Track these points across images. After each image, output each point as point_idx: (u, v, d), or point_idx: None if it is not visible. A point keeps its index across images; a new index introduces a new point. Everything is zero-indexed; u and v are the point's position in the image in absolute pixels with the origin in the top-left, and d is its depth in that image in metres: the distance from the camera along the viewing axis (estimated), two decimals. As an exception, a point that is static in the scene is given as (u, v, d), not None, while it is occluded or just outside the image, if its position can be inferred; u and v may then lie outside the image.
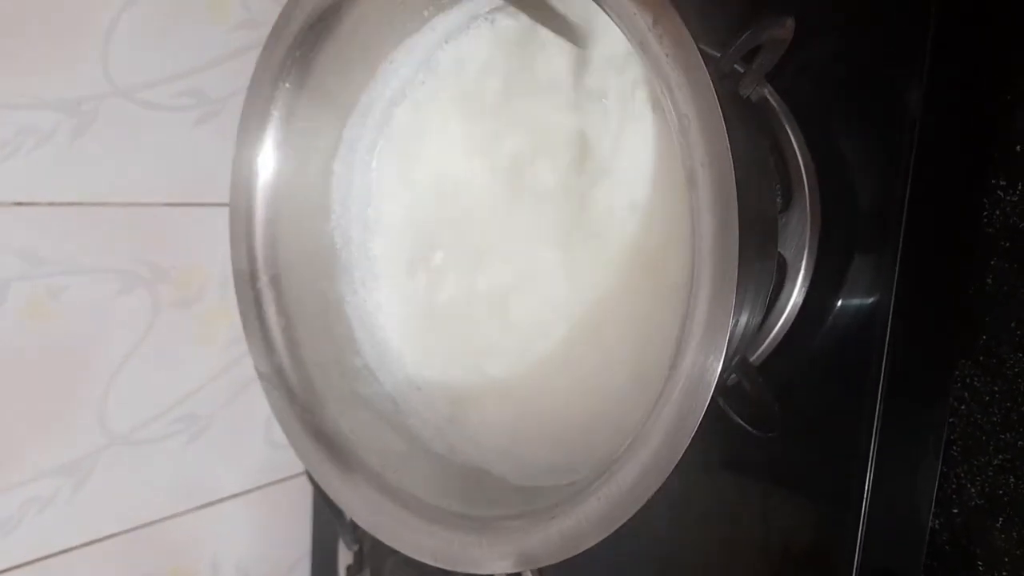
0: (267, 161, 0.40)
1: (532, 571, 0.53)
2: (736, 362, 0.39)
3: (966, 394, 0.45)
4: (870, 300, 0.42)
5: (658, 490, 0.27)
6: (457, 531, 0.33)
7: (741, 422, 0.37)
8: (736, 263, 0.25)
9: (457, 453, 0.41)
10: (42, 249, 0.53)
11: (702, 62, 0.26)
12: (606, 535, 0.28)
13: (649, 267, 0.35)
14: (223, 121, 0.61)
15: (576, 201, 0.38)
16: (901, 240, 0.41)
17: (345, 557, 0.65)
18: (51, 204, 0.53)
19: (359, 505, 0.37)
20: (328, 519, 0.68)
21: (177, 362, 0.63)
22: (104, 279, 0.57)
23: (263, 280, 0.40)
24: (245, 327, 0.41)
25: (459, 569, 0.32)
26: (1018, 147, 0.44)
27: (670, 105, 0.26)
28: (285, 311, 0.41)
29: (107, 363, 0.58)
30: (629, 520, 0.48)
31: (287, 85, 0.39)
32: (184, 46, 0.58)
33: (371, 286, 0.47)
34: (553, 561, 0.29)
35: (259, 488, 0.70)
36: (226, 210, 0.42)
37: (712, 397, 0.38)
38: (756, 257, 0.33)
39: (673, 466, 0.27)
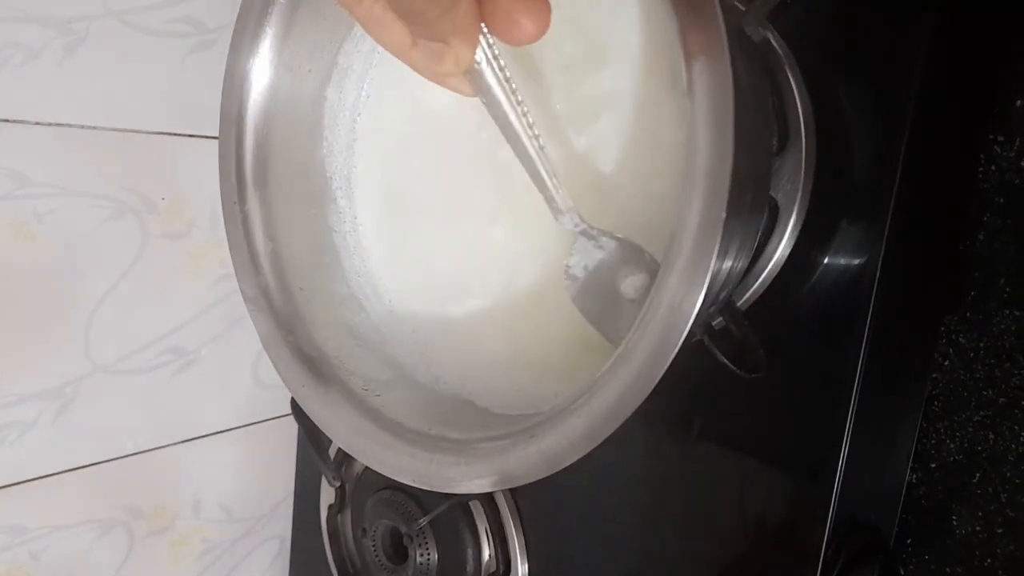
0: (261, 74, 0.39)
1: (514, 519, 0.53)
2: (723, 303, 0.39)
3: (951, 350, 0.45)
4: (860, 251, 0.42)
5: (636, 410, 0.27)
6: (436, 452, 0.33)
7: (726, 361, 0.37)
8: (729, 172, 0.25)
9: (441, 383, 0.41)
10: (28, 169, 0.52)
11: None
12: (585, 453, 0.28)
13: (638, 184, 0.35)
14: (217, 52, 0.60)
15: (566, 111, 0.37)
16: (895, 192, 0.40)
17: (327, 497, 0.65)
18: (38, 124, 0.52)
19: (340, 427, 0.37)
20: (312, 460, 0.68)
21: (165, 294, 0.62)
22: (92, 204, 0.56)
23: (251, 199, 0.40)
24: (231, 246, 0.40)
25: (437, 488, 0.32)
26: (1018, 102, 0.44)
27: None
28: (272, 234, 0.41)
29: (93, 290, 0.58)
30: (607, 492, 0.48)
31: (282, 1, 0.38)
32: (179, -30, 0.57)
33: (358, 219, 0.47)
34: (531, 479, 0.29)
35: (244, 427, 0.70)
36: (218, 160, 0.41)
37: (698, 335, 0.39)
38: (749, 189, 0.33)
39: (654, 385, 0.27)
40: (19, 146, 0.52)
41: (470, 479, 0.31)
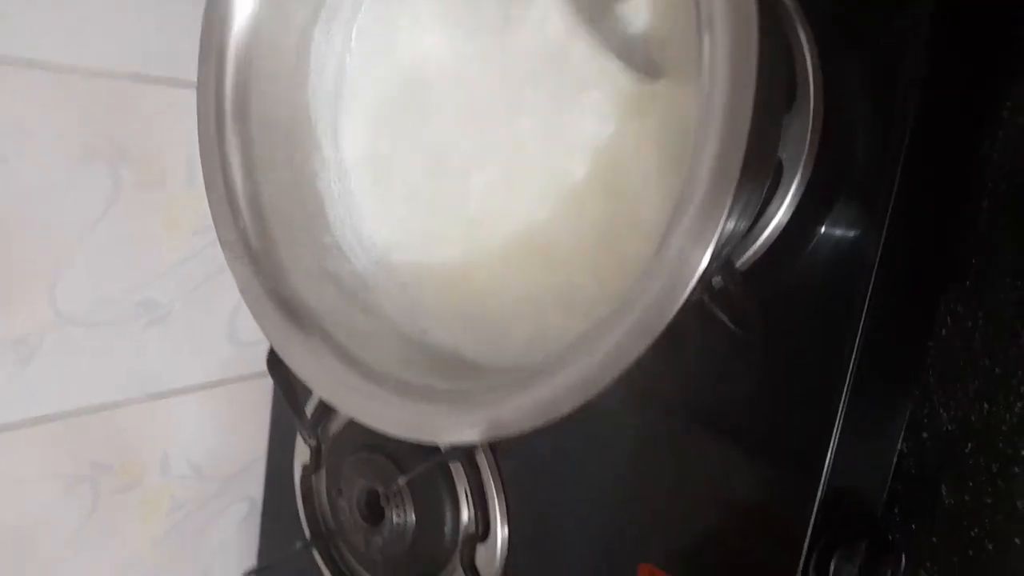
0: (245, 5, 0.37)
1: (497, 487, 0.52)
2: (723, 262, 0.38)
3: (948, 319, 0.45)
4: (862, 218, 0.41)
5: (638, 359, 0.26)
6: (423, 402, 0.32)
7: (724, 318, 0.36)
8: (749, 119, 0.23)
9: (429, 335, 0.39)
10: (-11, 109, 0.50)
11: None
12: (581, 402, 0.27)
13: (643, 119, 0.34)
14: None
15: (564, 51, 0.36)
16: (902, 156, 0.40)
17: (302, 456, 0.63)
18: (2, 60, 0.49)
19: (322, 377, 0.35)
20: (285, 420, 0.66)
21: (138, 246, 0.60)
22: (61, 149, 0.54)
23: (231, 136, 0.38)
24: (208, 186, 0.38)
25: (425, 439, 0.31)
26: (1028, 69, 0.43)
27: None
28: (252, 175, 0.39)
29: (61, 237, 0.56)
30: (591, 461, 0.47)
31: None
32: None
33: (344, 167, 0.45)
34: (524, 428, 0.28)
35: (218, 384, 0.68)
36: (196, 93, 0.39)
37: (697, 293, 0.37)
38: (763, 138, 0.32)
39: (658, 333, 0.25)
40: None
41: (460, 428, 0.30)
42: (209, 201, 0.39)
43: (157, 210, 0.60)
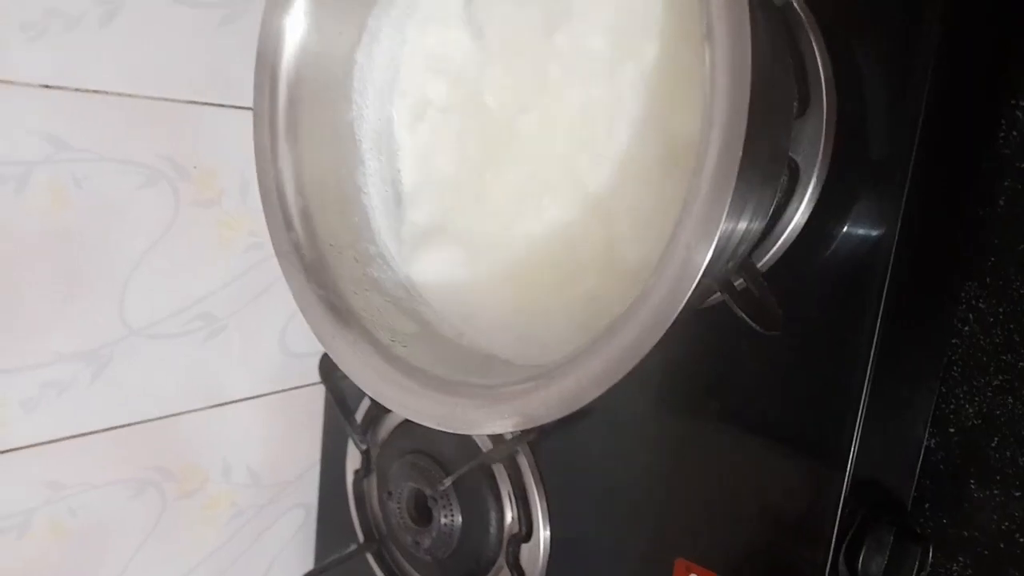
0: (294, 33, 0.41)
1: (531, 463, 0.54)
2: (742, 261, 0.40)
3: (971, 315, 0.46)
4: (878, 218, 0.42)
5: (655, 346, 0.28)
6: (459, 396, 0.34)
7: (744, 316, 0.37)
8: (745, 120, 0.26)
9: (466, 338, 0.42)
10: (67, 135, 0.54)
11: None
12: (603, 391, 0.29)
13: (660, 133, 0.36)
14: (248, 23, 0.61)
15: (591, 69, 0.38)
16: (913, 156, 0.41)
17: (353, 462, 0.67)
18: (78, 90, 0.54)
19: (368, 375, 0.38)
20: (338, 427, 0.69)
21: (197, 261, 0.64)
22: (128, 171, 0.58)
23: (283, 155, 0.41)
24: (264, 202, 0.42)
25: (461, 431, 0.33)
26: (1040, 68, 0.44)
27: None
28: (303, 191, 0.42)
29: (128, 255, 0.60)
30: (628, 461, 0.49)
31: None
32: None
33: (386, 182, 0.48)
34: (552, 419, 0.30)
35: (273, 393, 0.71)
36: (248, 114, 0.43)
37: (718, 291, 0.39)
38: (766, 140, 0.34)
39: (668, 326, 0.28)
40: (59, 111, 0.53)
41: (492, 420, 0.32)
42: (265, 215, 0.42)
43: (213, 226, 0.64)
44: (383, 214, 0.46)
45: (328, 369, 0.66)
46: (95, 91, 0.55)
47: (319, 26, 0.41)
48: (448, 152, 0.46)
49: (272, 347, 0.71)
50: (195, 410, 0.66)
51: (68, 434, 0.59)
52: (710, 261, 0.27)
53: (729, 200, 0.26)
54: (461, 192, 0.45)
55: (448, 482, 0.56)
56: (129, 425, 0.62)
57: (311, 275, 0.41)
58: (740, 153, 0.26)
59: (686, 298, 0.28)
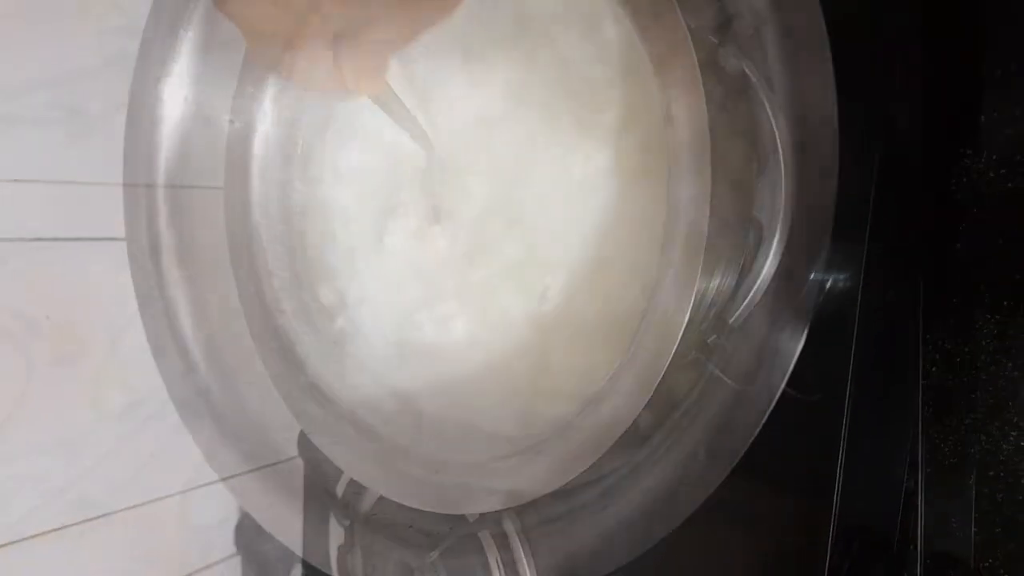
0: (173, 129, 0.35)
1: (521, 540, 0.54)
2: (713, 320, 0.40)
3: (937, 356, 0.47)
4: (842, 268, 0.43)
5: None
6: (446, 475, 0.34)
7: (718, 373, 0.38)
8: (708, 197, 0.26)
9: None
10: None
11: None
12: (590, 464, 0.29)
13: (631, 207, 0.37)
14: (100, 139, 0.48)
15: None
16: (871, 209, 0.42)
17: (336, 538, 0.65)
18: None
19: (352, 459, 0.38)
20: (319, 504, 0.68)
21: (62, 436, 0.51)
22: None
23: (172, 281, 0.34)
24: (152, 343, 0.35)
25: (449, 511, 0.33)
26: (982, 118, 0.46)
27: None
28: (203, 319, 0.35)
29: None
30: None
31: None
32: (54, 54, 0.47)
33: (305, 295, 0.43)
34: (539, 494, 0.30)
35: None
36: (110, 245, 0.35)
37: (693, 354, 0.40)
38: (730, 210, 0.35)
39: (652, 391, 0.28)
40: None
41: (481, 498, 0.32)
42: (155, 359, 0.35)
43: (79, 387, 0.51)
44: (308, 336, 0.41)
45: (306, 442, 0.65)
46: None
47: (205, 116, 0.35)
48: (369, 250, 0.44)
49: (170, 526, 0.57)
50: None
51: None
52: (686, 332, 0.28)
53: (700, 268, 0.27)
54: (399, 298, 0.43)
55: (435, 554, 0.55)
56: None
57: (227, 428, 0.35)
58: (705, 232, 0.26)
59: (665, 365, 0.28)
